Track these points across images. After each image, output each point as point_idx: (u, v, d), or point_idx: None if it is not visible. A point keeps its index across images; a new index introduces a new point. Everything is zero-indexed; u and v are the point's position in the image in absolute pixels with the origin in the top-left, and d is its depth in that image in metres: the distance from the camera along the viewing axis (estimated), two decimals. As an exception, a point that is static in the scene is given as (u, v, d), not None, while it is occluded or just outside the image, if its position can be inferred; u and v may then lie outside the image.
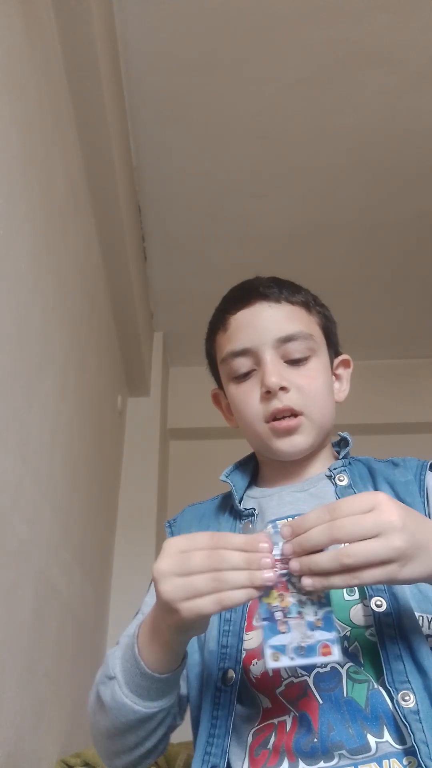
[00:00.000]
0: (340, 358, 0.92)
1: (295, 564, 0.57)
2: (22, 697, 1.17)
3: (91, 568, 1.91)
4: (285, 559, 0.58)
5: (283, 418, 0.81)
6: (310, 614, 0.57)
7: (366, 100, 1.98)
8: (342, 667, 0.66)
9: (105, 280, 2.12)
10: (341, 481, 0.82)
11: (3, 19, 1.14)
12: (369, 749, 0.62)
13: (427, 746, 0.59)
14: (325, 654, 0.56)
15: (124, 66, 1.86)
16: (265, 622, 0.57)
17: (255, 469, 0.93)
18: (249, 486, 0.90)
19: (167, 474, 2.91)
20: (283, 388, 0.80)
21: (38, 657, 1.29)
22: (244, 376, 0.84)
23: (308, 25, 1.77)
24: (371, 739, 0.62)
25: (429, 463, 0.83)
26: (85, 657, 1.71)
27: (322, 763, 0.62)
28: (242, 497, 0.87)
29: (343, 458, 0.87)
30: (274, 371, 0.80)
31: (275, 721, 0.67)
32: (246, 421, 0.84)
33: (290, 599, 0.58)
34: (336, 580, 0.55)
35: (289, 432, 0.81)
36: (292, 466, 0.86)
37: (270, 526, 0.61)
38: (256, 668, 0.70)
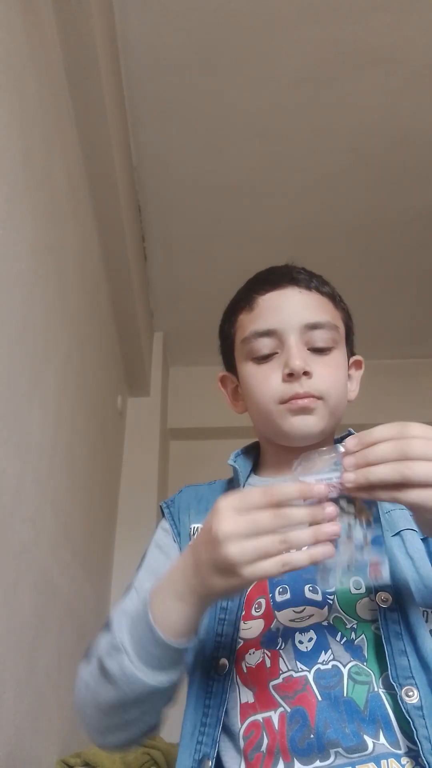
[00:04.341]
0: (354, 358, 0.92)
1: (350, 475, 0.56)
2: (22, 697, 1.17)
3: (92, 567, 1.91)
4: (338, 484, 0.57)
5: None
6: (359, 536, 0.56)
7: (366, 100, 1.98)
8: (344, 667, 0.67)
9: (105, 280, 2.13)
10: None
11: (3, 19, 1.14)
12: (366, 748, 0.62)
13: (430, 742, 0.60)
14: (373, 573, 0.55)
15: (124, 66, 1.86)
16: None
17: (256, 458, 0.92)
18: (249, 475, 0.89)
19: (167, 474, 2.91)
20: (306, 373, 0.79)
21: (39, 657, 1.29)
22: (265, 358, 0.82)
23: (308, 25, 1.77)
24: (368, 740, 0.62)
25: None
26: (85, 657, 1.71)
27: (318, 762, 0.62)
28: (244, 485, 0.86)
29: None
30: (299, 355, 0.79)
31: (259, 718, 0.67)
32: (259, 400, 0.82)
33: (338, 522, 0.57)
34: (382, 494, 0.56)
35: (305, 410, 0.79)
36: (297, 455, 0.85)
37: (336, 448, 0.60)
38: (252, 657, 0.70)
